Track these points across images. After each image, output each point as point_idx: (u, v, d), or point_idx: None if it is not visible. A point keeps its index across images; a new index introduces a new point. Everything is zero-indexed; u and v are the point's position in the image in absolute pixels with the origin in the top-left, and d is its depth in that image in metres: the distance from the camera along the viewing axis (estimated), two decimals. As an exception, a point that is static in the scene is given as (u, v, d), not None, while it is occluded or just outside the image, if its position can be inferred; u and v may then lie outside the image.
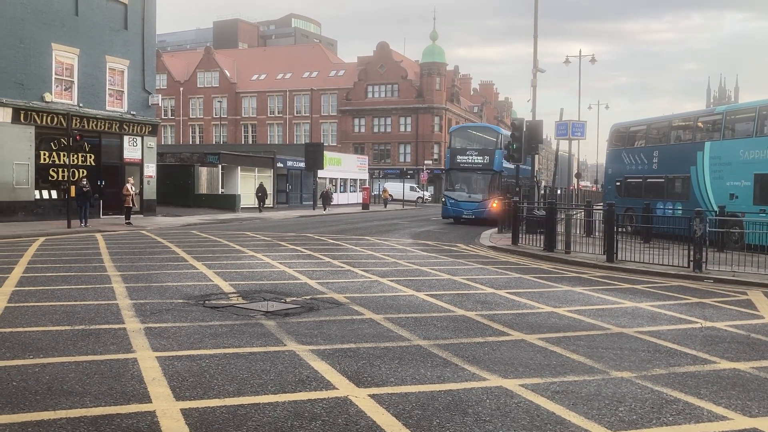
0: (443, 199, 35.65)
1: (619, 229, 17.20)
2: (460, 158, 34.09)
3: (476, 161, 33.71)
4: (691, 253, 14.48)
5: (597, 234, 20.29)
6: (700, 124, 23.64)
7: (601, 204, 28.03)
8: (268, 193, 43.68)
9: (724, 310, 10.45)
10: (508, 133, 29.11)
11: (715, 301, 11.24)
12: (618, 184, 27.25)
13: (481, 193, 33.13)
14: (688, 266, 14.48)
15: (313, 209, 44.56)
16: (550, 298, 11.23)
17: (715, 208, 19.95)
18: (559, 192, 41.51)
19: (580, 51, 52.79)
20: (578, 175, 54.75)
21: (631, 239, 18.14)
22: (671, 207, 23.22)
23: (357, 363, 6.80)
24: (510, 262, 16.66)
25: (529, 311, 9.97)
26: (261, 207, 41.80)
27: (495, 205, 29.13)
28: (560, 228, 18.64)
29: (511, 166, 27.12)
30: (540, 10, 26.21)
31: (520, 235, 20.22)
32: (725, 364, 7.13)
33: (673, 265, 14.81)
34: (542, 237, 18.86)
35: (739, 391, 6.19)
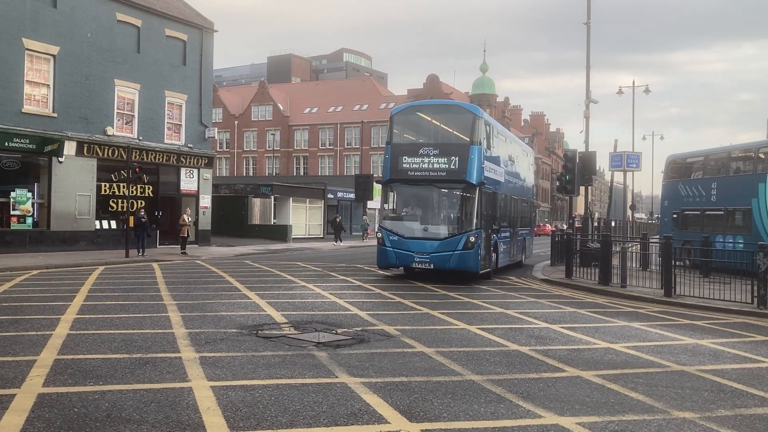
0: (379, 235, 19.29)
1: (677, 263, 16.70)
2: (407, 162, 18.61)
3: (437, 166, 18.38)
4: (755, 288, 13.93)
5: (654, 268, 19.75)
6: (761, 155, 22.91)
7: (657, 237, 27.29)
8: (343, 227, 44.93)
9: (792, 349, 9.98)
10: (492, 120, 21.45)
11: (781, 340, 10.76)
12: (675, 216, 26.56)
13: (447, 222, 18.80)
14: (752, 302, 13.93)
15: (363, 240, 44.70)
16: (606, 333, 10.94)
17: (779, 242, 19.19)
18: (613, 224, 40.52)
19: (634, 81, 52.33)
20: (633, 207, 53.71)
21: (690, 273, 17.59)
22: (731, 240, 22.47)
23: (409, 397, 6.73)
24: (564, 296, 16.33)
25: (584, 347, 9.72)
26: (336, 239, 42.55)
27: (472, 241, 17.70)
28: (615, 261, 18.21)
29: (499, 179, 20.74)
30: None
31: (574, 268, 19.83)
32: (795, 407, 6.79)
33: (735, 301, 14.27)
34: (597, 270, 18.45)
35: (812, 436, 5.88)
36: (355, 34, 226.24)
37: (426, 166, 18.27)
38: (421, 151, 18.49)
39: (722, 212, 23.55)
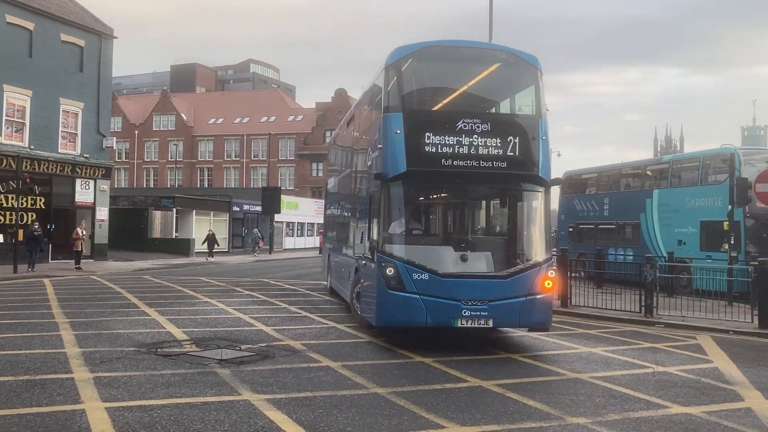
0: (391, 271, 10.03)
1: (573, 275, 17.50)
2: (437, 143, 10.27)
3: (487, 152, 10.36)
4: (643, 298, 14.79)
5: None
6: (648, 173, 24.43)
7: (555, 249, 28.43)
8: (217, 240, 41.48)
9: (675, 355, 10.65)
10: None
11: (666, 346, 11.46)
12: (571, 230, 27.78)
13: (508, 247, 11.31)
14: (640, 311, 14.77)
15: (254, 254, 43.79)
16: (507, 344, 11.28)
17: (665, 254, 20.50)
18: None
19: (533, 100, 54.10)
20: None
21: (585, 284, 18.44)
22: (622, 253, 23.76)
23: (314, 412, 6.69)
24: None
25: (486, 357, 9.98)
26: (210, 253, 38.71)
27: (551, 277, 10.53)
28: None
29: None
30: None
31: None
32: (677, 409, 7.25)
33: (625, 310, 15.08)
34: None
35: (691, 436, 6.30)
36: (263, 46, 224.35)
37: (469, 150, 10.25)
38: (460, 125, 10.28)
39: (614, 226, 24.87)
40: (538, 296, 10.18)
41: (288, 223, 56.38)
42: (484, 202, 11.78)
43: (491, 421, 6.57)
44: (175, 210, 43.64)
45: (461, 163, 10.23)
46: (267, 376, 8.22)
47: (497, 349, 10.55)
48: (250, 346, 10.25)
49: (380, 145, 10.44)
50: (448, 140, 10.23)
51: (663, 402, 7.53)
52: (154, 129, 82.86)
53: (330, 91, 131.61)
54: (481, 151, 10.29)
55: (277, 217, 48.88)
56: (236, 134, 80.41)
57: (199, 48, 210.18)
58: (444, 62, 11.46)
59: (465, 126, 10.30)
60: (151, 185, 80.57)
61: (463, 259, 10.47)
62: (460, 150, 10.22)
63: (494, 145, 10.34)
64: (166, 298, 16.95)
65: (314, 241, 58.17)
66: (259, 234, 45.48)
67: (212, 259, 36.94)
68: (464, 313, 9.89)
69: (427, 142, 10.21)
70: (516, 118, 11.28)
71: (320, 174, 77.05)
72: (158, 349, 9.77)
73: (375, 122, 11.39)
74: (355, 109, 14.71)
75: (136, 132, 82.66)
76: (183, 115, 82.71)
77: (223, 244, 45.95)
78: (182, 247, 40.99)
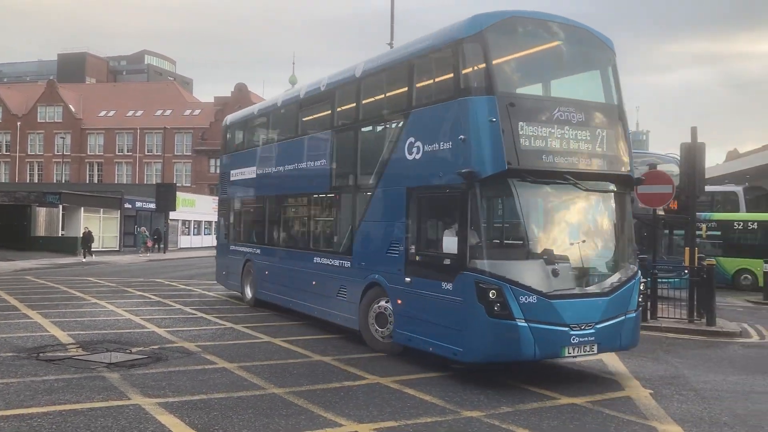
0: (473, 295, 7.94)
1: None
2: (534, 136, 8.27)
3: (581, 147, 8.64)
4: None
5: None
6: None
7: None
8: (93, 238, 38.13)
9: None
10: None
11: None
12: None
13: (607, 258, 9.13)
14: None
15: (140, 254, 42.12)
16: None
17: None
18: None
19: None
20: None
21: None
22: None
23: (208, 415, 6.51)
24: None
25: (383, 354, 10.07)
26: (85, 254, 35.16)
27: (642, 291, 9.55)
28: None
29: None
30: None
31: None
32: (565, 400, 7.59)
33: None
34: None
35: (577, 425, 6.61)
36: (159, 37, 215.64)
37: (568, 145, 8.55)
38: (557, 113, 8.53)
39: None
40: (634, 313, 8.78)
41: (184, 222, 54.62)
42: (577, 207, 9.00)
43: (388, 417, 6.63)
44: (61, 207, 41.22)
45: (561, 160, 8.43)
46: (159, 379, 7.92)
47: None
48: (141, 348, 9.84)
49: (462, 136, 8.22)
50: (544, 132, 8.35)
51: (553, 393, 7.87)
52: (39, 120, 78.03)
53: (229, 86, 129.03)
54: (580, 146, 8.63)
55: (172, 215, 47.20)
56: (129, 128, 77.08)
57: (90, 36, 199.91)
58: (530, 37, 9.17)
59: (561, 115, 8.51)
60: (36, 180, 75.83)
61: (563, 274, 8.38)
62: (558, 144, 8.43)
63: (587, 138, 8.71)
64: (50, 299, 15.99)
65: (212, 240, 56.78)
66: (147, 233, 43.60)
67: (87, 259, 34.20)
68: (573, 340, 8.10)
69: (523, 133, 8.20)
70: (606, 108, 9.24)
71: (218, 170, 75.08)
72: (40, 354, 9.21)
73: (437, 106, 9.09)
74: (360, 80, 10.99)
75: (19, 123, 77.59)
76: (71, 106, 78.37)
77: (113, 242, 43.96)
78: (69, 246, 38.79)
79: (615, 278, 8.75)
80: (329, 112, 12.18)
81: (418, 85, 9.76)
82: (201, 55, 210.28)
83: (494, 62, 8.48)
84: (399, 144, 9.68)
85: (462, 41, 8.63)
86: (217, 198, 62.17)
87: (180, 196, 49.49)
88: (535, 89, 9.39)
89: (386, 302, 9.84)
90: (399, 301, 9.42)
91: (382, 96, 10.95)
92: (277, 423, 6.33)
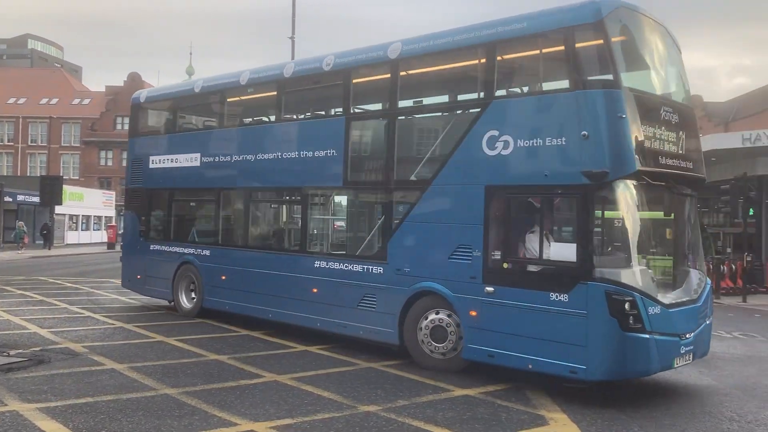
0: (604, 307, 7.22)
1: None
2: (651, 137, 7.82)
3: (679, 149, 8.36)
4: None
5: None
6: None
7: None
8: None
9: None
10: None
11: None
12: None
13: (692, 263, 9.04)
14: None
15: (49, 249, 40.04)
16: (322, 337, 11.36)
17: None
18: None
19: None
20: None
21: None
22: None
23: (94, 419, 6.21)
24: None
25: (281, 351, 9.97)
26: None
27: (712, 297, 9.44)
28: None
29: None
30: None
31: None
32: (459, 392, 7.80)
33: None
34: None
35: (470, 416, 6.81)
36: (44, 21, 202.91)
37: (671, 147, 8.23)
38: (663, 113, 8.21)
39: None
40: (710, 320, 8.64)
41: (71, 216, 51.78)
42: (673, 211, 8.86)
43: (285, 415, 6.57)
44: (-69, 199, 38.03)
45: (670, 162, 8.10)
46: (40, 383, 7.47)
47: (295, 343, 10.58)
48: (20, 351, 9.24)
49: (585, 132, 7.49)
50: (657, 132, 7.92)
51: (447, 386, 8.05)
52: None
53: (122, 75, 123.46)
54: (679, 147, 8.31)
55: (58, 209, 44.61)
56: (10, 116, 72.15)
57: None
58: (635, 29, 8.53)
59: (665, 115, 8.13)
60: None
61: (667, 282, 8.43)
62: (666, 146, 8.06)
63: (683, 139, 8.40)
64: None
65: (101, 235, 54.26)
66: (24, 228, 40.98)
67: None
68: (681, 349, 7.80)
69: (645, 133, 7.71)
70: (689, 109, 8.94)
71: (110, 163, 72.14)
72: None
73: (539, 97, 8.51)
74: (397, 62, 9.61)
75: None
76: (-57, 91, 72.48)
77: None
78: (-60, 241, 35.82)
79: (699, 284, 8.57)
80: (340, 95, 10.51)
81: (503, 71, 8.82)
82: (91, 41, 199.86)
83: (616, 52, 7.75)
84: (471, 136, 8.56)
85: (582, 27, 7.79)
86: (108, 192, 58.81)
87: (67, 189, 46.89)
88: (637, 86, 8.15)
89: (443, 314, 8.76)
90: (473, 313, 8.35)
91: (437, 81, 10.20)
92: (169, 424, 6.12)
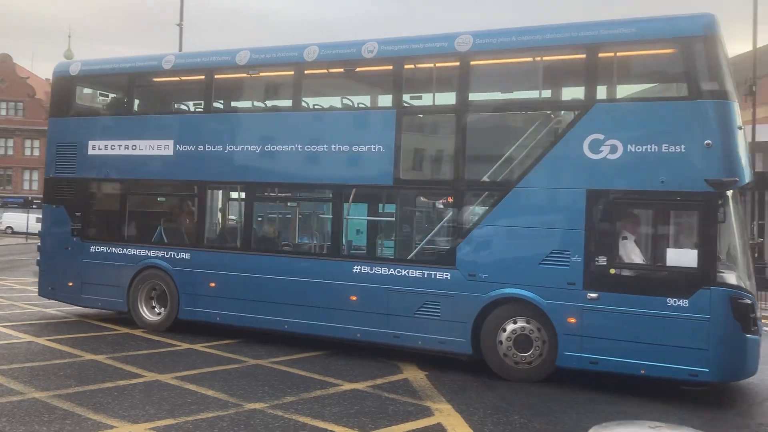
0: (728, 310, 7.54)
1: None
2: (742, 145, 8.23)
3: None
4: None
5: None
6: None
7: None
8: None
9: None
10: None
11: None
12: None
13: None
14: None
15: None
16: (189, 334, 11.00)
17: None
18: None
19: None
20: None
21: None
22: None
23: (-50, 428, 5.71)
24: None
25: (165, 350, 9.59)
26: None
27: None
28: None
29: None
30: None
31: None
32: (347, 386, 7.81)
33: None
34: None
35: (357, 410, 6.83)
36: None
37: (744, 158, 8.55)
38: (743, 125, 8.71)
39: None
40: None
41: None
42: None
43: (166, 415, 6.32)
44: None
45: (749, 171, 8.35)
46: None
47: (179, 341, 10.21)
48: None
49: (708, 141, 7.58)
50: (743, 143, 8.19)
51: (335, 380, 8.04)
52: None
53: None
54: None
55: None
56: None
57: None
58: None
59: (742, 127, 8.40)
60: None
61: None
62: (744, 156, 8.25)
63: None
64: None
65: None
66: None
67: None
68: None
69: (740, 144, 7.94)
70: None
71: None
72: None
73: (651, 103, 8.53)
74: (468, 56, 9.09)
75: None
76: None
77: None
78: None
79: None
80: (388, 85, 9.91)
81: (605, 74, 8.63)
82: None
83: (723, 65, 7.94)
84: (569, 139, 8.36)
85: (700, 39, 7.88)
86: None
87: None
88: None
89: (522, 322, 8.44)
90: (572, 320, 8.13)
91: (518, 78, 9.86)
92: (37, 431, 5.73)
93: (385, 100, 10.32)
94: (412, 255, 9.52)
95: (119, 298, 11.26)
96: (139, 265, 11.14)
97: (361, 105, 10.68)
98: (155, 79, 11.97)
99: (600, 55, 8.43)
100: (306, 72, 10.22)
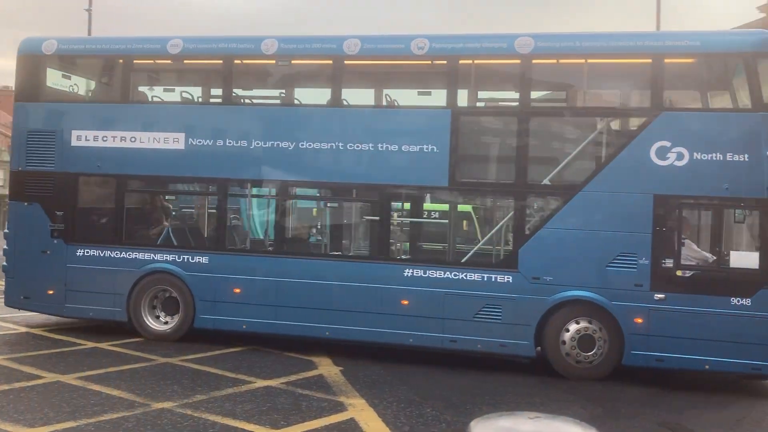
0: None
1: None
2: None
3: None
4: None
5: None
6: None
7: None
8: None
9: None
10: None
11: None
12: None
13: None
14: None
15: None
16: (90, 332, 10.55)
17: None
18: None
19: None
20: None
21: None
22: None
23: None
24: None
25: (67, 349, 9.17)
26: None
27: None
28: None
29: None
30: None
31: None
32: (260, 383, 7.69)
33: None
34: None
35: (270, 407, 6.75)
36: None
37: None
38: None
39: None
40: None
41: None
42: None
43: (67, 417, 6.05)
44: None
45: None
46: None
47: (84, 339, 9.76)
48: None
49: None
50: None
51: (241, 377, 7.91)
52: None
53: None
54: None
55: None
56: None
57: None
58: None
59: None
60: None
61: None
62: None
63: None
64: None
65: None
66: None
67: None
68: None
69: None
70: None
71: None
72: None
73: (715, 114, 8.97)
74: (529, 58, 9.10)
75: None
76: None
77: None
78: None
79: None
80: (439, 83, 9.70)
81: (670, 83, 8.91)
82: None
83: None
84: (636, 145, 8.60)
85: (763, 54, 8.37)
86: None
87: None
88: None
89: (584, 322, 8.58)
90: (638, 320, 8.43)
91: (579, 83, 9.66)
92: None
93: (435, 99, 9.89)
94: (469, 258, 9.43)
95: (117, 307, 10.04)
96: (142, 270, 10.02)
97: (399, 102, 10.35)
98: (157, 63, 10.96)
99: (664, 64, 8.69)
100: (346, 65, 9.74)
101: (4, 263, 10.58)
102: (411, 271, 9.24)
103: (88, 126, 10.34)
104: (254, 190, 10.33)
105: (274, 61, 10.20)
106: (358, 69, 10.07)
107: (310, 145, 9.60)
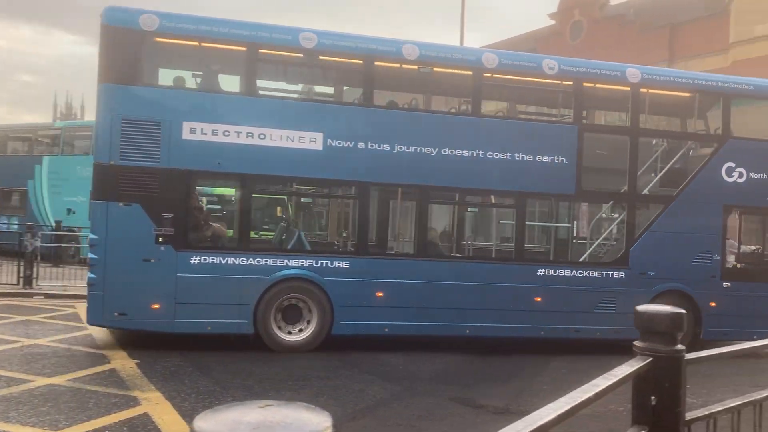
0: None
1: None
2: None
3: None
4: (22, 269, 13.95)
5: None
6: (39, 138, 23.21)
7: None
8: None
9: (50, 326, 10.34)
10: None
11: (42, 318, 11.03)
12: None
13: None
14: (18, 283, 13.89)
15: None
16: None
17: (53, 223, 19.82)
18: None
19: None
20: None
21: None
22: (7, 222, 21.97)
23: None
24: None
25: None
26: None
27: None
28: None
29: None
30: None
31: None
32: (41, 381, 7.01)
33: (2, 283, 13.96)
34: None
35: (51, 407, 6.16)
36: None
37: None
38: None
39: None
40: None
41: None
42: None
43: None
44: None
45: None
46: None
47: None
48: None
49: None
50: None
51: (28, 376, 7.17)
52: None
53: None
54: None
55: None
56: None
57: None
58: None
59: None
60: None
61: None
62: None
63: None
64: None
65: None
66: None
67: None
68: None
69: None
70: None
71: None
72: None
73: (765, 143, 11.16)
74: (638, 86, 10.66)
75: None
76: None
77: None
78: None
79: None
80: (564, 101, 11.08)
81: (734, 116, 11.02)
82: None
83: None
84: (712, 164, 10.76)
85: None
86: None
87: None
88: None
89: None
90: (713, 304, 10.53)
91: (667, 110, 12.73)
92: None
93: (558, 114, 11.72)
94: (591, 258, 11.01)
95: (243, 319, 9.11)
96: (273, 278, 9.19)
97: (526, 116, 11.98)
98: (277, 55, 9.98)
99: (730, 102, 11.00)
100: (484, 77, 10.18)
101: (91, 274, 8.80)
102: (543, 270, 10.29)
103: (203, 118, 9.14)
104: (397, 194, 10.45)
105: (416, 67, 10.18)
106: (493, 82, 10.53)
107: (452, 152, 9.82)
